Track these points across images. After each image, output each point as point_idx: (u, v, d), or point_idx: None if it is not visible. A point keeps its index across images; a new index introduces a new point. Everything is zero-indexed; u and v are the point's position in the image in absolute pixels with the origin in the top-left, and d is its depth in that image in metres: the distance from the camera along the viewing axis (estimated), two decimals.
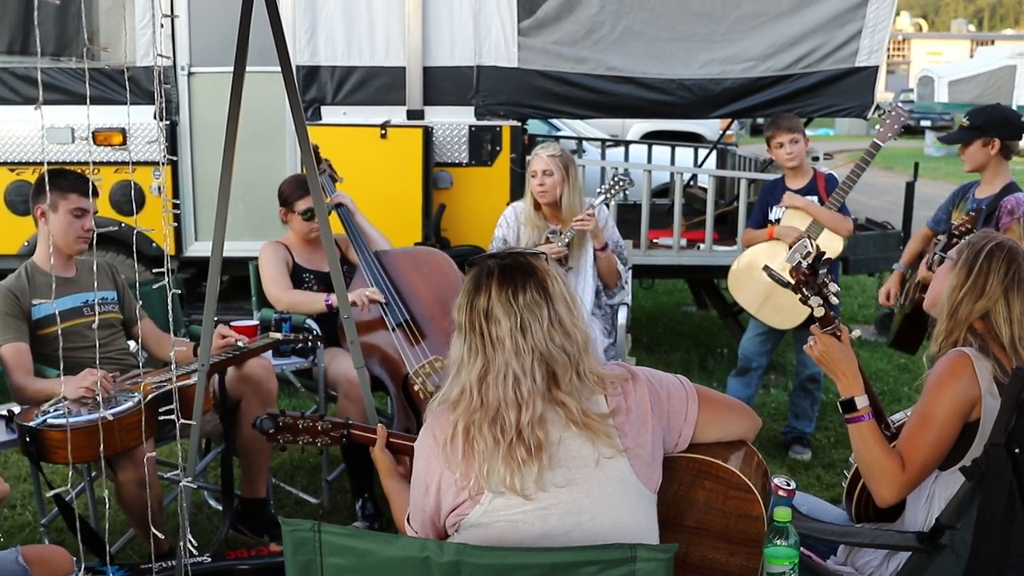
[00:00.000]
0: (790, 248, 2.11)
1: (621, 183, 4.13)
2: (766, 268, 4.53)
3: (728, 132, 9.45)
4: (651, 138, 10.59)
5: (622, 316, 4.16)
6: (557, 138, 8.78)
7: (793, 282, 2.14)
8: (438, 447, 1.83)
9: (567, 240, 4.05)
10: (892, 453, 2.17)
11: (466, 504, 1.80)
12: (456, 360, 1.86)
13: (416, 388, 3.67)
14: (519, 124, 5.54)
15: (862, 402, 2.22)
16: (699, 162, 7.74)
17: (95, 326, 3.25)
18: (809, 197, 4.36)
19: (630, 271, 4.45)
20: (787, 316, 4.34)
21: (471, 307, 1.84)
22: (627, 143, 8.50)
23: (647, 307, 7.47)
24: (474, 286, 1.86)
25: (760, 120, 23.26)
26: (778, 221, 4.39)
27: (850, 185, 4.24)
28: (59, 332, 3.03)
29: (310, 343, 3.63)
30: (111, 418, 2.73)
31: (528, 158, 5.13)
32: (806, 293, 2.12)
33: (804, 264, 2.09)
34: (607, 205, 4.23)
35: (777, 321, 4.38)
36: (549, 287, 1.86)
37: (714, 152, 7.89)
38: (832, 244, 4.23)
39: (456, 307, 1.88)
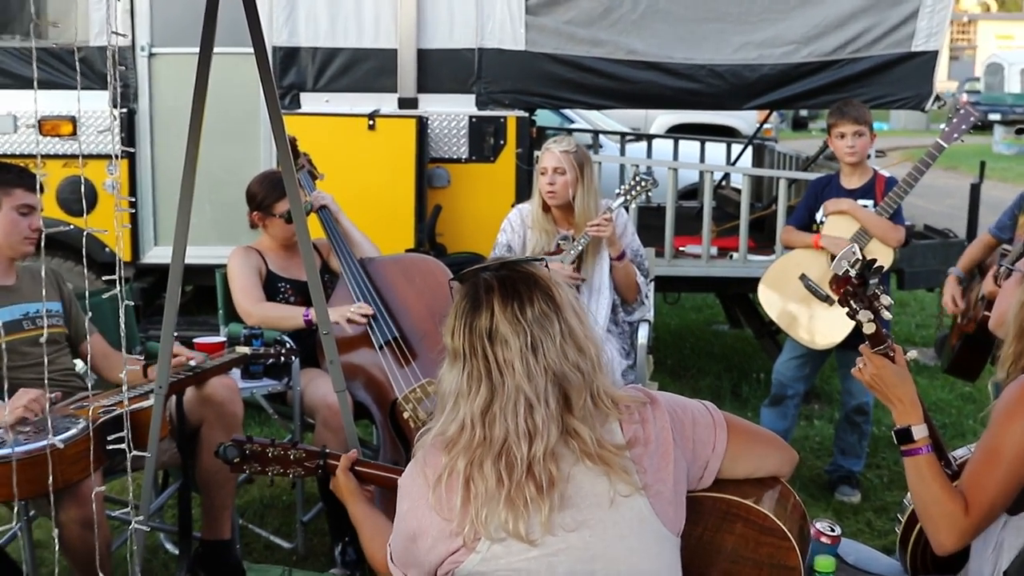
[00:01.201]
0: (834, 258, 2.11)
1: (643, 183, 4.13)
2: (803, 278, 4.52)
3: (766, 125, 9.47)
4: (677, 132, 10.60)
5: (642, 335, 4.16)
6: (570, 131, 8.81)
7: (835, 295, 2.13)
8: (428, 488, 1.83)
9: (580, 248, 4.05)
10: (954, 493, 2.15)
11: (460, 552, 1.79)
12: (452, 392, 1.85)
13: (406, 415, 3.67)
14: (526, 115, 5.55)
15: (920, 432, 2.20)
16: (732, 159, 7.75)
17: (43, 340, 3.24)
18: (863, 201, 4.35)
19: (652, 283, 4.45)
20: (823, 334, 4.33)
21: (470, 329, 1.83)
22: (650, 137, 8.53)
23: (672, 325, 7.47)
24: (471, 304, 1.85)
25: (803, 112, 23.51)
26: (822, 224, 4.39)
27: (907, 189, 4.24)
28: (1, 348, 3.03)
29: (284, 358, 3.63)
30: (61, 445, 2.72)
31: (537, 154, 5.12)
32: (854, 306, 2.10)
33: (852, 272, 2.08)
34: (627, 208, 4.23)
35: (811, 339, 4.38)
36: (556, 296, 1.86)
37: (749, 148, 7.90)
38: (881, 255, 4.22)
39: (449, 331, 1.86)
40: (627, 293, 4.17)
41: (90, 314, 3.19)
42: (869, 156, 4.53)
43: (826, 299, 4.28)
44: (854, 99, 4.73)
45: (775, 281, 4.51)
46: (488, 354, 1.82)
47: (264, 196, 4.02)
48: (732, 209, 7.09)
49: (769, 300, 4.50)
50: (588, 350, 1.86)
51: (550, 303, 1.85)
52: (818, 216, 4.43)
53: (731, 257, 5.67)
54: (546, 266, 1.92)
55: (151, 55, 5.61)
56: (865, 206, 4.34)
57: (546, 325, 1.83)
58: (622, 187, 4.18)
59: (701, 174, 7.10)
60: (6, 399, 2.94)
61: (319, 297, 2.87)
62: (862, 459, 4.60)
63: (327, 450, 2.34)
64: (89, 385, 2.98)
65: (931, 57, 5.48)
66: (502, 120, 5.48)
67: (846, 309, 2.11)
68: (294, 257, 4.05)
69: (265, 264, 4.06)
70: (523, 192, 5.33)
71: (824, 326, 4.31)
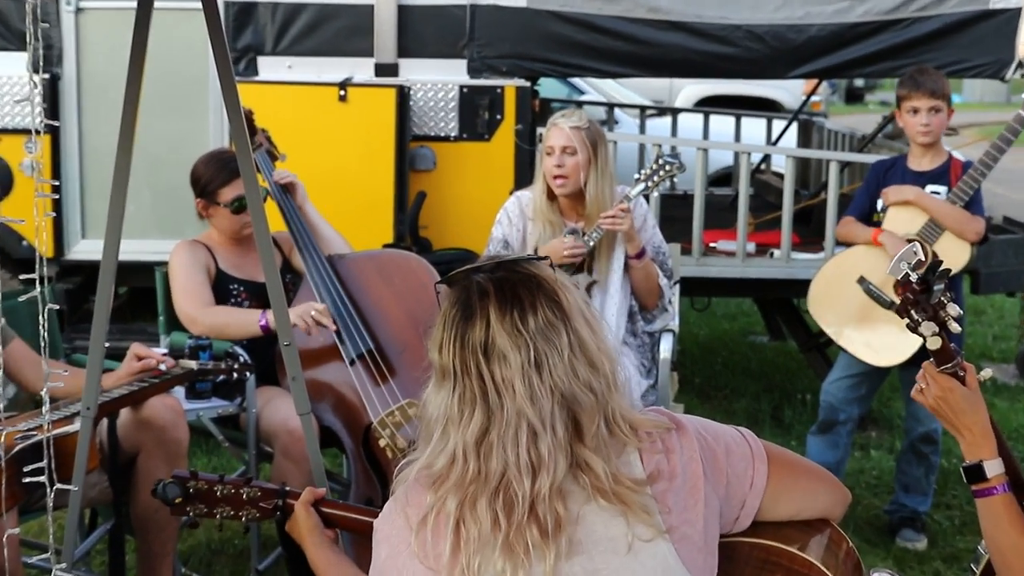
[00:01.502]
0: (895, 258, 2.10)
1: (668, 167, 4.13)
2: (862, 281, 4.51)
3: (814, 98, 9.48)
4: (708, 105, 10.61)
5: (665, 347, 4.16)
6: (580, 104, 8.81)
7: (898, 301, 2.13)
8: (410, 532, 1.83)
9: (592, 244, 4.05)
10: None
11: None
12: (440, 417, 1.85)
13: (382, 444, 3.68)
14: (528, 85, 5.56)
15: (993, 468, 2.21)
16: (774, 138, 7.76)
17: None
18: (933, 188, 4.35)
19: (677, 286, 4.45)
20: (889, 348, 4.34)
21: (461, 343, 1.83)
22: (675, 112, 8.54)
23: (701, 336, 7.47)
24: (463, 313, 1.85)
25: (859, 82, 23.49)
26: (883, 213, 4.39)
27: (984, 172, 4.24)
28: None
29: (236, 374, 3.64)
30: None
31: (540, 131, 5.13)
32: (916, 317, 2.11)
33: (913, 276, 2.09)
34: (647, 197, 4.24)
35: (874, 354, 4.37)
36: (563, 302, 1.86)
37: (794, 125, 7.91)
38: (955, 252, 4.23)
39: (436, 345, 1.86)
40: (647, 298, 4.17)
41: (3, 319, 3.19)
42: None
43: (891, 306, 4.28)
44: (929, 66, 4.73)
45: (828, 284, 4.51)
46: (483, 372, 1.82)
47: (209, 180, 4.02)
48: (773, 198, 7.10)
49: (820, 307, 4.51)
50: (602, 366, 1.86)
51: (556, 310, 1.85)
52: (878, 204, 4.43)
53: (771, 255, 5.68)
54: (551, 265, 1.92)
55: (78, 10, 5.61)
56: (936, 193, 4.34)
57: (552, 337, 1.83)
58: (642, 171, 4.18)
59: (736, 155, 7.10)
60: None
61: (279, 301, 2.87)
62: (929, 497, 4.61)
63: (287, 488, 2.34)
64: (1, 405, 2.98)
65: (1013, 15, 5.49)
66: (499, 91, 5.49)
67: (906, 321, 2.11)
68: (249, 253, 4.05)
69: (214, 261, 4.06)
70: (523, 177, 5.34)
71: (888, 340, 4.31)
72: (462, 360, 1.84)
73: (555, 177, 4.05)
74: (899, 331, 4.25)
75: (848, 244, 4.52)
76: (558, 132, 4.06)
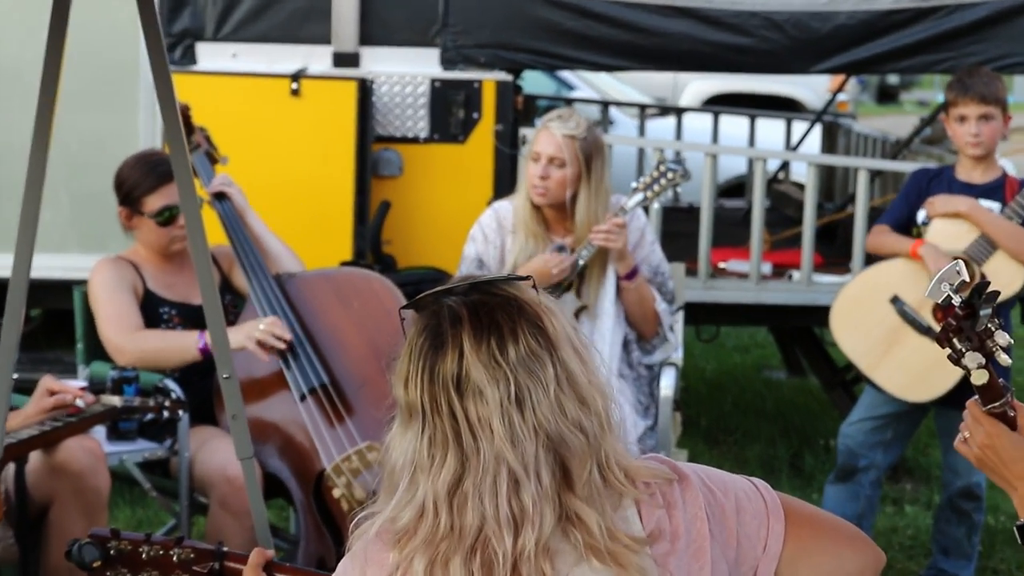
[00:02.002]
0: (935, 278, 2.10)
1: (670, 175, 4.14)
2: (895, 300, 4.51)
3: (841, 96, 9.53)
4: (718, 104, 10.66)
5: (667, 383, 4.17)
6: (569, 101, 8.85)
7: (938, 327, 2.13)
8: None
9: (582, 263, 4.06)
10: None
11: None
12: (406, 463, 1.84)
13: (337, 494, 3.67)
14: (510, 78, 5.57)
15: None
16: (794, 143, 7.79)
17: None
18: (986, 203, 4.37)
19: (680, 313, 4.46)
20: (922, 382, 4.35)
21: (431, 376, 1.83)
22: (680, 111, 8.57)
23: (708, 371, 7.47)
24: (432, 342, 1.85)
25: (892, 79, 23.65)
26: (924, 227, 4.40)
27: None
28: None
29: (167, 412, 3.61)
30: None
31: (524, 133, 5.14)
32: (958, 346, 2.10)
33: (956, 299, 2.08)
34: (645, 209, 4.24)
35: (904, 388, 4.38)
36: (548, 327, 1.86)
37: (818, 128, 7.95)
38: (1009, 275, 4.23)
39: (401, 379, 1.86)
40: (642, 325, 4.17)
41: None
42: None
43: (928, 332, 4.30)
44: (982, 66, 4.74)
45: (856, 304, 4.51)
46: (456, 410, 1.81)
47: (133, 185, 4.00)
48: (792, 211, 7.12)
49: (846, 332, 4.51)
50: (594, 403, 1.86)
51: (540, 338, 1.85)
52: (919, 216, 4.44)
53: (790, 277, 5.69)
54: (534, 287, 1.92)
55: None
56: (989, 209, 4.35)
57: (535, 369, 1.83)
58: (641, 179, 4.19)
59: (750, 162, 7.12)
60: None
61: (218, 327, 2.86)
62: (972, 562, 4.61)
63: (224, 548, 2.33)
64: None
65: None
66: (476, 85, 5.50)
67: (947, 351, 2.11)
68: (183, 271, 4.04)
69: (142, 281, 4.05)
70: (503, 185, 5.34)
71: (923, 372, 4.32)
72: (431, 396, 1.83)
73: (536, 188, 4.06)
74: (936, 362, 4.27)
75: (878, 256, 4.52)
76: (547, 138, 4.06)
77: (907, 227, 4.47)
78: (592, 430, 1.84)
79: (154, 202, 3.97)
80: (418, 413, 1.84)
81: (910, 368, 4.36)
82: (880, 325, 4.41)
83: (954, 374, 4.15)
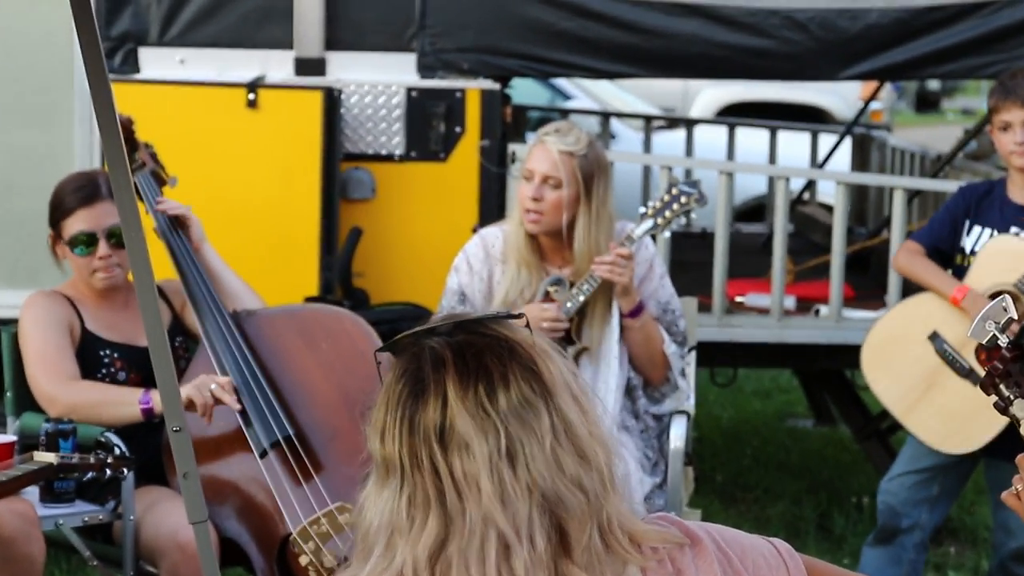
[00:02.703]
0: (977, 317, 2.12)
1: (684, 199, 4.15)
2: (935, 338, 4.51)
3: (874, 105, 9.53)
4: (734, 115, 10.70)
5: (677, 434, 4.17)
6: (565, 112, 8.87)
7: (982, 371, 2.15)
8: None
9: (583, 298, 4.07)
10: None
11: None
12: (382, 525, 1.85)
13: (304, 562, 3.65)
14: (497, 87, 5.58)
15: None
16: (821, 159, 7.82)
17: None
18: None
19: (693, 354, 4.47)
20: (964, 430, 4.36)
21: (410, 428, 1.83)
22: (691, 123, 8.59)
23: (724, 419, 7.47)
24: (412, 389, 1.85)
25: (932, 85, 23.63)
26: (972, 256, 4.42)
27: None
28: None
29: (110, 470, 3.61)
30: None
31: (513, 149, 5.15)
32: (1006, 393, 2.13)
33: (1003, 340, 2.11)
34: (653, 237, 4.25)
35: (944, 437, 4.40)
36: (543, 372, 1.87)
37: (848, 141, 7.97)
38: None
39: (376, 431, 1.86)
40: (649, 369, 4.19)
41: None
42: None
43: (969, 375, 4.32)
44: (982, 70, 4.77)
45: (890, 342, 4.53)
46: (439, 466, 1.82)
47: (55, 206, 4.01)
48: (819, 237, 7.13)
49: (879, 372, 4.53)
50: (595, 457, 1.87)
51: (535, 384, 1.86)
52: (965, 241, 4.46)
53: (817, 313, 5.70)
54: (527, 325, 1.93)
55: None
56: None
57: (529, 419, 1.83)
58: (650, 204, 4.20)
59: (771, 181, 7.14)
60: None
61: (167, 374, 2.87)
62: None
63: None
64: None
65: None
66: (458, 95, 5.51)
67: (993, 397, 2.13)
68: (126, 309, 4.05)
69: (80, 320, 4.05)
70: (490, 209, 5.35)
71: (963, 419, 4.34)
72: (411, 450, 1.84)
73: (529, 212, 4.06)
74: (978, 409, 4.30)
75: (917, 288, 4.53)
76: (542, 154, 4.07)
77: (945, 253, 4.49)
78: (593, 488, 1.85)
79: (71, 226, 3.97)
80: (396, 469, 1.85)
81: (948, 415, 4.37)
82: (917, 365, 4.43)
83: (998, 423, 4.17)
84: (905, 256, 4.55)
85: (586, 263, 4.06)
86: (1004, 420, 2.18)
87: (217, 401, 3.77)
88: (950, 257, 4.48)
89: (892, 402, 4.50)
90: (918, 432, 4.42)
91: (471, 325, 1.91)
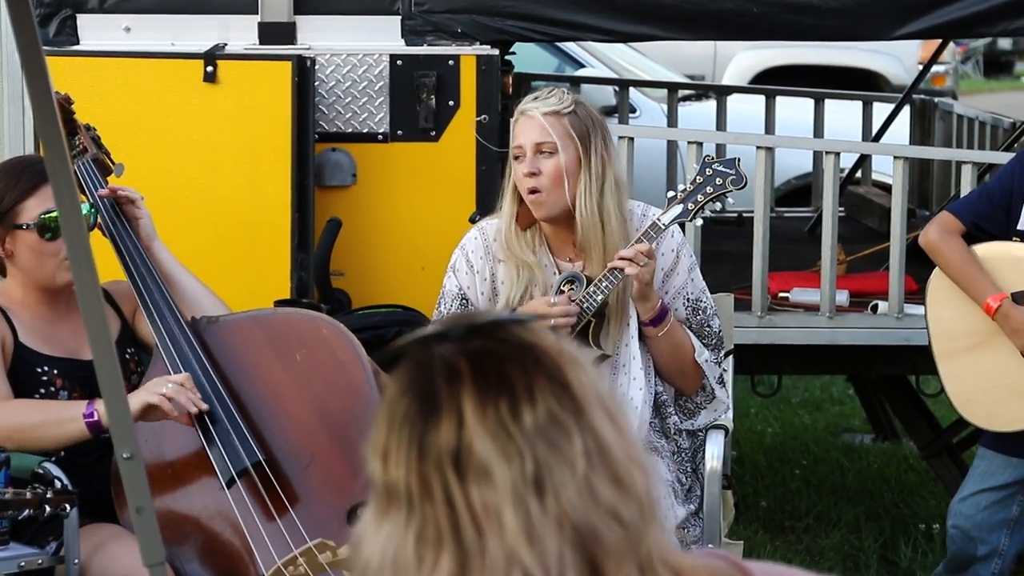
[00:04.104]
0: None
1: (719, 181, 4.14)
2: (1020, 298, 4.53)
3: (936, 69, 9.50)
4: (773, 82, 10.70)
5: (714, 453, 4.17)
6: (577, 81, 8.86)
7: None
8: None
9: (600, 297, 4.06)
10: None
11: None
12: (385, 564, 1.83)
13: None
14: (495, 53, 5.58)
15: None
16: (875, 131, 7.81)
17: None
18: None
19: (730, 359, 4.47)
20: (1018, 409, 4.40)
21: (420, 451, 1.81)
22: (723, 91, 8.58)
23: (768, 435, 7.47)
24: (422, 406, 1.83)
25: (1003, 43, 23.74)
26: None
27: None
28: None
29: (49, 507, 3.60)
30: None
31: (513, 121, 5.13)
32: None
33: None
34: (682, 226, 4.23)
35: (982, 409, 4.44)
36: (573, 384, 1.85)
37: (906, 110, 7.96)
38: None
39: (378, 453, 1.85)
40: (680, 379, 4.19)
41: None
42: None
43: None
44: None
45: (967, 341, 4.54)
46: (455, 497, 1.80)
47: (2, 194, 4.02)
48: (874, 221, 7.13)
49: (942, 298, 4.55)
50: (632, 483, 1.85)
51: (564, 399, 1.83)
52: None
53: (874, 309, 5.69)
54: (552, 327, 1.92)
55: None
56: None
57: (559, 440, 1.81)
58: (681, 187, 4.19)
59: (818, 157, 7.13)
60: None
61: (115, 388, 2.86)
62: None
63: None
64: None
65: None
66: (451, 63, 5.51)
67: None
68: (67, 318, 4.06)
69: (12, 332, 4.06)
70: (491, 194, 5.33)
71: (1011, 394, 4.40)
72: (422, 478, 1.81)
73: (528, 191, 4.06)
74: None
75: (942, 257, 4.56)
76: (528, 123, 4.08)
77: (989, 234, 4.49)
78: (631, 519, 1.84)
79: (33, 207, 3.97)
80: (402, 499, 1.83)
81: (990, 385, 4.45)
82: (1000, 370, 4.45)
83: None
84: (937, 233, 4.56)
85: (593, 239, 4.05)
86: None
87: (173, 401, 3.76)
88: (994, 239, 4.48)
89: (938, 336, 4.53)
90: (947, 383, 4.47)
91: (489, 329, 1.88)
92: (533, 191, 4.05)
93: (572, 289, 4.07)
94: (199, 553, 3.75)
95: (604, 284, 4.03)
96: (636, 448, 1.88)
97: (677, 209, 4.12)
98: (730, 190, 4.14)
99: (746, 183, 4.22)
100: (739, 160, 4.30)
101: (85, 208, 4.00)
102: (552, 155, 4.04)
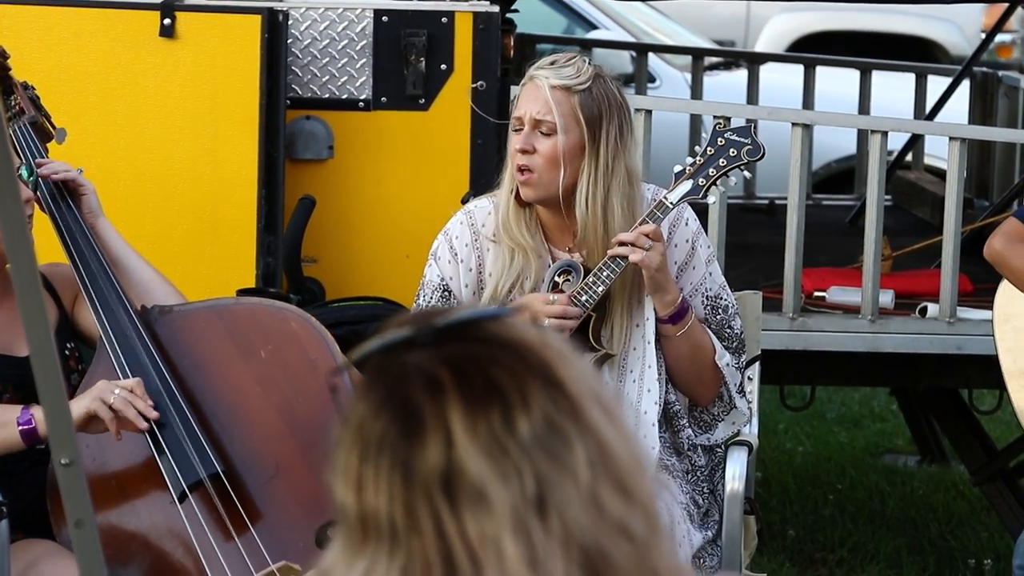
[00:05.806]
0: None
1: (733, 152, 4.16)
2: None
3: (1001, 38, 9.48)
4: (811, 49, 10.71)
5: (735, 473, 4.19)
6: (588, 45, 8.87)
7: None
8: None
9: (600, 289, 4.09)
10: None
11: None
12: None
13: None
14: (495, 10, 5.59)
15: None
16: (929, 108, 7.82)
17: None
18: None
19: (756, 366, 4.49)
20: None
21: (404, 476, 1.81)
22: (755, 59, 8.60)
23: (799, 455, 7.48)
24: (403, 426, 1.83)
25: None
26: None
27: None
28: None
29: None
30: None
31: (515, 90, 5.16)
32: None
33: None
34: (693, 206, 4.24)
35: None
36: (567, 382, 1.86)
37: (966, 84, 7.97)
38: None
39: (350, 478, 1.85)
40: (697, 387, 4.22)
41: None
42: None
43: None
44: None
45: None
46: (447, 527, 1.79)
47: None
48: (925, 212, 7.15)
49: (1015, 310, 4.59)
50: (637, 489, 1.86)
51: (559, 398, 1.84)
52: None
53: (923, 313, 5.72)
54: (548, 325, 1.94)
55: None
56: None
57: (558, 449, 1.81)
58: (689, 160, 4.20)
59: (862, 136, 7.16)
60: None
61: (53, 387, 2.88)
62: None
63: None
64: None
65: None
66: (444, 20, 5.52)
67: None
68: (1, 307, 4.07)
69: None
70: (487, 171, 5.34)
71: None
72: (408, 508, 1.81)
73: (519, 169, 4.07)
74: None
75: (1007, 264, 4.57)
76: (533, 92, 4.09)
77: None
78: (640, 533, 1.85)
79: None
80: (384, 532, 1.83)
81: None
82: None
83: None
84: (1004, 243, 4.56)
85: (593, 236, 4.07)
86: None
87: (120, 414, 3.78)
88: None
89: (1007, 350, 4.53)
90: (1017, 401, 4.47)
91: (462, 329, 1.88)
92: (523, 169, 4.06)
93: (568, 281, 4.07)
94: (146, 574, 3.77)
95: (605, 274, 4.03)
96: (637, 446, 1.90)
97: (686, 185, 4.11)
98: (745, 161, 4.14)
99: (764, 153, 4.22)
100: (755, 126, 4.31)
101: (24, 173, 4.03)
102: (550, 136, 4.05)
